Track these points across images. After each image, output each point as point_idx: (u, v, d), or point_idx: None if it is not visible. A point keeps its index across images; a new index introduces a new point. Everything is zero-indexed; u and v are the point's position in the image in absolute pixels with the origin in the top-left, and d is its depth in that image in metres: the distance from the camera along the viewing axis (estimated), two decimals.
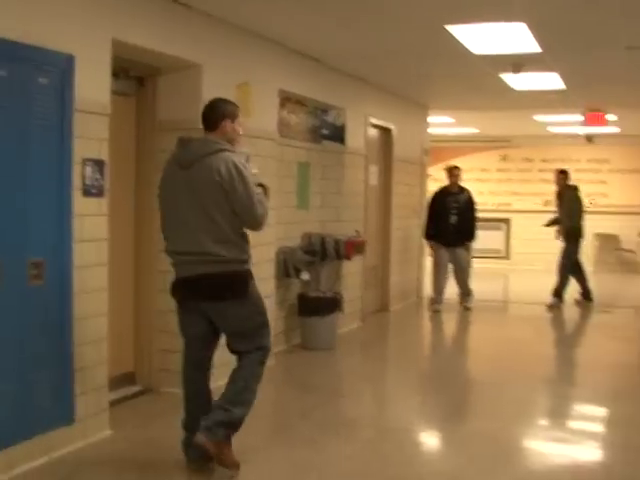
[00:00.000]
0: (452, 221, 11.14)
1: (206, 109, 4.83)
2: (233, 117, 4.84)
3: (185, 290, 4.78)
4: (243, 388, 4.76)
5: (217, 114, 4.78)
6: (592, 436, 5.92)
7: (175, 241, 4.75)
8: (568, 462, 5.23)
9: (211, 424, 4.58)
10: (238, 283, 4.72)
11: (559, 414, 6.53)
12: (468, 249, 11.43)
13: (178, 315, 4.93)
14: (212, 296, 4.67)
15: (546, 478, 4.91)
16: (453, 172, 11.45)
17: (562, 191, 12.17)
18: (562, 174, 12.23)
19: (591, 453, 5.52)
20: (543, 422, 6.20)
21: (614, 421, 6.28)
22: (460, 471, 4.92)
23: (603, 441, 5.78)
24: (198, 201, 4.57)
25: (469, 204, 11.37)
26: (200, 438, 4.55)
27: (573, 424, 6.28)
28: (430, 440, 5.76)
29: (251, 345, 4.79)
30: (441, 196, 11.32)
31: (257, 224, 4.75)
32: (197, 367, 4.91)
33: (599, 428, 6.18)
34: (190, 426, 4.78)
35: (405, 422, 6.01)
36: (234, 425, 4.70)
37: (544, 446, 5.58)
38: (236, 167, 4.59)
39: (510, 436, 5.79)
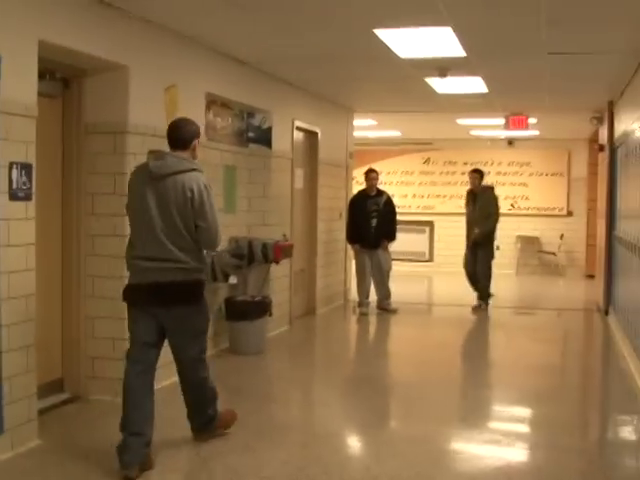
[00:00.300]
0: (373, 224, 11.19)
1: (175, 129, 5.10)
2: (199, 136, 5.18)
3: (143, 295, 4.96)
4: (204, 391, 5.37)
5: (189, 134, 5.08)
6: (521, 437, 6.00)
7: (142, 247, 4.93)
8: (501, 464, 5.27)
9: (204, 423, 5.41)
10: (198, 290, 5.09)
11: (488, 416, 6.61)
12: (387, 250, 11.46)
13: (129, 319, 5.06)
14: (175, 301, 4.96)
15: None
16: (370, 175, 11.48)
17: (476, 192, 11.93)
18: (476, 173, 12.04)
19: (522, 454, 5.59)
20: (473, 424, 6.24)
21: (540, 422, 6.38)
22: (397, 474, 4.92)
23: (532, 442, 5.85)
24: (167, 212, 4.87)
25: (388, 207, 11.42)
26: (199, 437, 5.40)
27: (502, 426, 6.34)
28: (365, 444, 5.75)
29: (198, 348, 5.22)
30: (360, 199, 11.37)
31: (214, 244, 5.10)
32: (143, 369, 5.01)
33: (527, 429, 6.28)
34: (126, 425, 4.89)
35: (338, 426, 6.01)
36: (215, 413, 5.45)
37: (476, 448, 5.63)
38: (206, 189, 4.96)
39: (443, 439, 5.84)
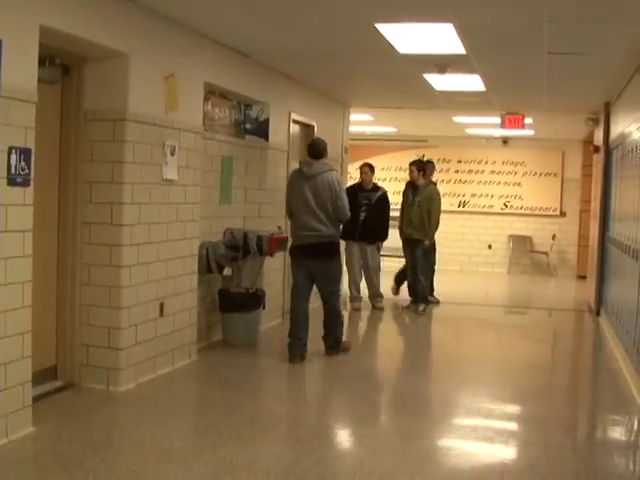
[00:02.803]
0: (361, 218, 11.10)
1: (315, 147, 7.91)
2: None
3: (302, 252, 7.81)
4: (337, 316, 8.12)
5: (324, 149, 7.95)
6: (514, 435, 6.02)
7: (302, 222, 7.76)
8: (494, 461, 5.31)
9: (332, 342, 8.10)
10: (335, 248, 8.06)
11: (481, 414, 6.60)
12: (378, 248, 11.45)
13: (292, 267, 8.10)
14: (320, 255, 7.77)
15: (475, 477, 4.96)
16: (363, 169, 11.42)
17: (417, 186, 11.40)
18: (426, 163, 11.77)
19: (515, 452, 5.60)
20: (467, 422, 6.26)
21: (533, 420, 6.37)
22: (390, 470, 4.91)
23: (525, 440, 5.86)
24: (319, 198, 7.68)
25: (382, 202, 11.33)
26: (328, 350, 8.10)
27: (495, 424, 6.35)
28: (358, 438, 5.74)
29: (335, 288, 8.10)
30: (352, 192, 11.30)
31: (346, 217, 7.94)
32: (302, 298, 7.92)
33: (519, 427, 6.28)
34: (293, 334, 7.85)
35: (332, 420, 6.02)
36: (340, 338, 8.19)
37: (470, 445, 5.63)
38: (339, 182, 7.92)
39: (436, 435, 5.86)
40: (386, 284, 11.70)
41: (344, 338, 8.29)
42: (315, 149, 7.87)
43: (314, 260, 7.73)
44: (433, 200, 11.32)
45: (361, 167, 11.48)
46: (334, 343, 8.08)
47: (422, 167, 11.58)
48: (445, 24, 6.81)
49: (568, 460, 5.30)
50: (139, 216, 6.47)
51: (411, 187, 11.50)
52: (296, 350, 7.78)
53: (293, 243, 7.96)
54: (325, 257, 7.80)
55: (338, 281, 8.27)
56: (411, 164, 11.58)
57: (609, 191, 11.07)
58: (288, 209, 8.05)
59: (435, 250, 11.77)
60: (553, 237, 17.37)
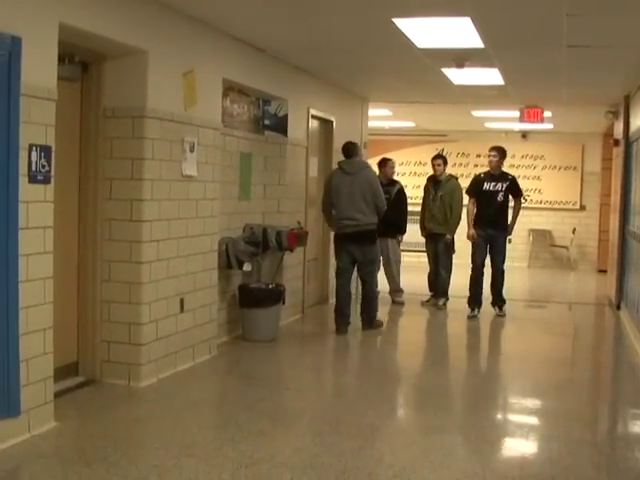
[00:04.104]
0: None
1: (350, 149, 9.25)
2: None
3: (346, 238, 9.04)
4: (373, 295, 9.35)
5: (358, 150, 9.48)
6: (534, 429, 6.01)
7: (344, 213, 8.95)
8: (515, 455, 5.32)
9: (368, 318, 9.29)
10: (374, 235, 9.16)
11: (500, 408, 6.61)
12: (398, 242, 11.44)
13: (336, 252, 9.28)
14: (362, 241, 9.00)
15: (495, 471, 4.94)
16: (383, 164, 11.44)
17: (439, 180, 11.27)
18: (440, 159, 11.44)
19: (535, 446, 5.59)
20: (487, 416, 6.26)
21: (553, 414, 6.36)
22: (411, 464, 4.91)
23: (545, 434, 5.84)
24: (358, 192, 8.89)
25: (400, 196, 11.29)
26: (365, 325, 9.29)
27: (515, 417, 6.35)
28: (379, 433, 5.72)
29: (373, 268, 9.36)
30: None
31: (383, 208, 9.08)
32: (345, 279, 9.17)
33: (540, 421, 6.26)
34: (339, 310, 9.16)
35: (353, 414, 6.00)
36: (375, 313, 9.38)
37: (490, 440, 5.61)
38: (376, 177, 9.48)
39: (456, 429, 5.85)
40: (405, 279, 11.66)
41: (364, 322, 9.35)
42: (350, 150, 9.20)
43: (356, 245, 8.97)
44: (455, 193, 11.24)
45: (381, 161, 11.47)
46: (370, 319, 9.26)
47: (446, 161, 11.55)
48: (463, 18, 6.79)
49: (589, 454, 5.28)
50: (159, 212, 6.50)
51: (432, 181, 11.40)
52: (342, 324, 9.08)
53: (337, 232, 9.15)
54: (366, 242, 9.01)
55: (375, 263, 9.49)
56: (435, 158, 11.48)
57: (629, 184, 11.00)
58: (326, 203, 9.22)
59: (454, 248, 11.44)
60: (573, 231, 17.30)
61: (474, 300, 10.61)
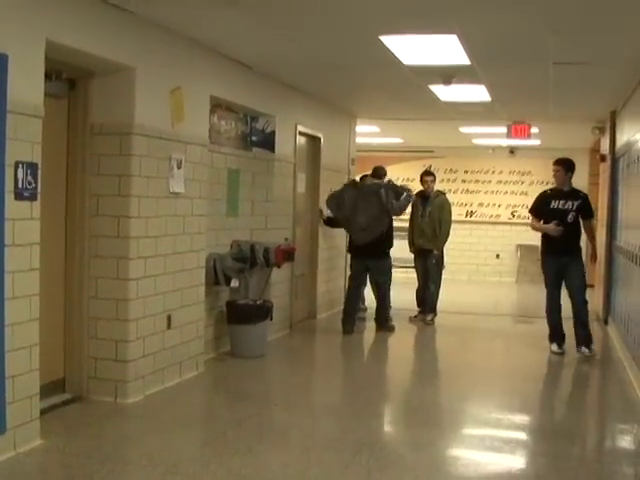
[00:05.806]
0: None
1: (378, 172, 10.50)
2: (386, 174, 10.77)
3: (359, 250, 10.04)
4: (386, 300, 10.31)
5: (384, 173, 10.56)
6: (521, 445, 6.02)
7: (358, 225, 9.88)
8: (502, 470, 5.31)
9: (382, 321, 10.34)
10: (386, 248, 10.14)
11: (489, 423, 6.59)
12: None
13: (351, 261, 10.40)
14: (376, 252, 9.99)
15: None
16: (362, 179, 11.38)
17: (427, 196, 11.24)
18: (432, 175, 11.46)
19: (522, 461, 5.60)
20: (475, 431, 6.26)
21: (540, 430, 6.38)
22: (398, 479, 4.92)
23: (532, 450, 5.86)
24: (370, 206, 9.80)
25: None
26: (379, 329, 10.35)
27: (504, 433, 6.34)
28: (366, 449, 5.73)
29: (387, 277, 10.24)
30: None
31: (399, 212, 10.18)
32: (358, 284, 10.32)
33: (528, 437, 6.27)
34: (346, 311, 10.12)
35: (340, 430, 6.00)
36: (387, 317, 10.43)
37: (477, 455, 5.63)
38: (387, 194, 9.94)
39: (443, 444, 5.85)
40: (392, 294, 11.64)
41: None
42: (378, 172, 10.53)
43: (368, 255, 9.98)
44: (443, 209, 11.23)
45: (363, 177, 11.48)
46: (383, 321, 10.22)
47: (435, 177, 11.56)
48: (449, 35, 6.84)
49: (576, 470, 5.29)
50: (146, 229, 6.50)
51: (421, 197, 11.35)
52: (348, 324, 10.01)
53: (350, 244, 10.47)
54: (378, 253, 10.04)
55: (389, 273, 10.29)
56: (427, 174, 11.49)
57: (616, 200, 11.06)
58: (340, 219, 10.30)
59: (443, 264, 11.50)
60: None
61: (555, 334, 9.38)
